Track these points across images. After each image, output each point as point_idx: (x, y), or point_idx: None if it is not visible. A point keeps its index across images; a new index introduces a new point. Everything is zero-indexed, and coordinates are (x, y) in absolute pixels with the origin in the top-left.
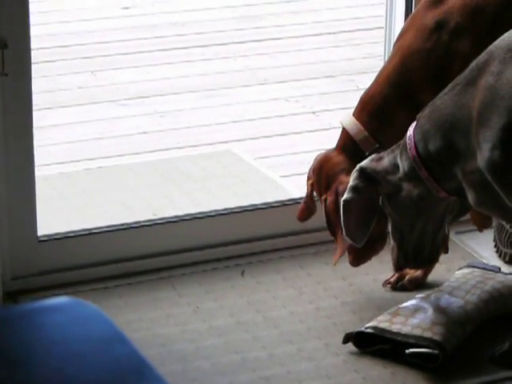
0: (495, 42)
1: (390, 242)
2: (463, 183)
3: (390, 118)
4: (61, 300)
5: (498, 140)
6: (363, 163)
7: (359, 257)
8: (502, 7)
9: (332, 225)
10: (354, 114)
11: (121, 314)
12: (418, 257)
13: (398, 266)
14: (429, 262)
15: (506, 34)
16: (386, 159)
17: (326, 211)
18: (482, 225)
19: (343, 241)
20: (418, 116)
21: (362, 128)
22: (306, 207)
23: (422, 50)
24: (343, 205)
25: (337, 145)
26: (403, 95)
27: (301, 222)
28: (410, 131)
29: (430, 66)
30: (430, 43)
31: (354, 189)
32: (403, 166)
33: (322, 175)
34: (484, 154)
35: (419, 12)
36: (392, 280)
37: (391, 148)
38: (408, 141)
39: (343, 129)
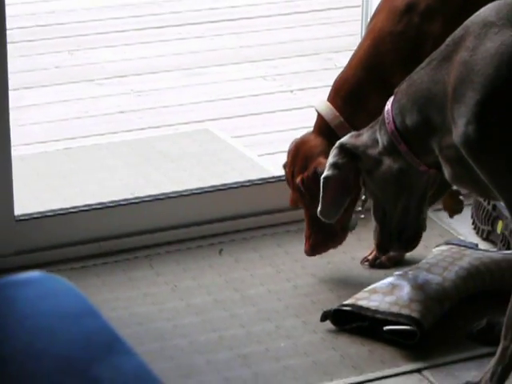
0: (471, 18)
1: (373, 223)
2: (439, 158)
3: (363, 102)
4: (32, 274)
5: (472, 115)
6: (343, 139)
7: (316, 246)
8: None
9: (312, 204)
10: (328, 99)
11: (98, 293)
12: (402, 236)
13: (383, 248)
14: (413, 241)
15: (482, 10)
16: (365, 135)
17: (306, 189)
18: (453, 210)
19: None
20: (395, 90)
21: (337, 113)
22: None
23: (393, 33)
24: (323, 181)
25: (314, 129)
26: (376, 78)
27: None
28: (388, 106)
29: (401, 49)
30: (400, 25)
31: (335, 165)
32: (382, 140)
33: (299, 157)
34: (459, 129)
35: None
36: (370, 257)
37: (370, 124)
38: (386, 115)
39: (318, 114)
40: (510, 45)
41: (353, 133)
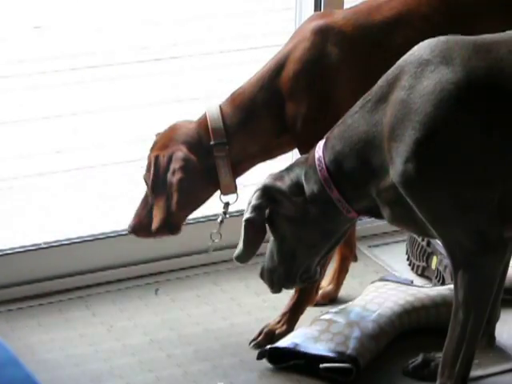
0: (404, 57)
1: (268, 264)
2: (378, 201)
3: (251, 119)
4: None
5: (411, 153)
6: (267, 182)
7: (143, 228)
8: (384, 32)
9: (155, 183)
10: (220, 105)
11: (34, 335)
12: (303, 275)
13: (279, 289)
14: (312, 279)
15: (415, 48)
16: (286, 178)
17: (154, 167)
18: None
19: (159, 205)
20: (325, 136)
21: (221, 119)
22: None
23: (297, 58)
24: (245, 224)
25: (196, 122)
26: (270, 101)
27: None
28: (319, 153)
29: (302, 74)
30: (304, 49)
31: (258, 208)
32: (311, 188)
33: (167, 136)
34: (397, 168)
35: (304, 23)
36: (260, 339)
37: (288, 167)
38: (318, 162)
39: (201, 117)
40: (448, 82)
41: (274, 174)
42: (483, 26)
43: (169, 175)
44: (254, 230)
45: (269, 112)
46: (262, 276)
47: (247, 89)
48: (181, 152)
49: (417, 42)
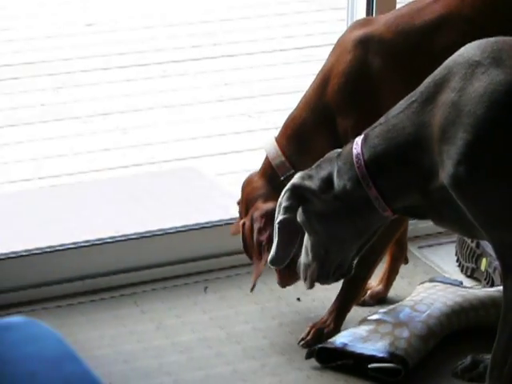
0: (453, 58)
1: (304, 259)
2: (424, 202)
3: (307, 143)
4: (13, 319)
5: (463, 156)
6: (295, 181)
7: (286, 278)
8: (426, 35)
9: (248, 250)
10: (275, 138)
11: (84, 331)
12: (337, 272)
13: (313, 284)
14: (345, 276)
15: (464, 49)
16: (316, 177)
17: (242, 236)
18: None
19: (258, 266)
20: (364, 133)
21: (280, 152)
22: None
23: (339, 73)
24: (279, 226)
25: (260, 168)
26: (321, 119)
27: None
28: (357, 149)
29: (345, 89)
30: (345, 63)
31: (289, 208)
32: (343, 184)
33: (243, 199)
34: (448, 170)
35: (345, 34)
36: (308, 338)
37: (317, 164)
38: (356, 159)
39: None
40: (499, 84)
41: (302, 173)
42: None
43: (255, 236)
44: (288, 231)
45: (322, 131)
46: (298, 270)
47: (297, 114)
48: (258, 210)
49: (460, 45)
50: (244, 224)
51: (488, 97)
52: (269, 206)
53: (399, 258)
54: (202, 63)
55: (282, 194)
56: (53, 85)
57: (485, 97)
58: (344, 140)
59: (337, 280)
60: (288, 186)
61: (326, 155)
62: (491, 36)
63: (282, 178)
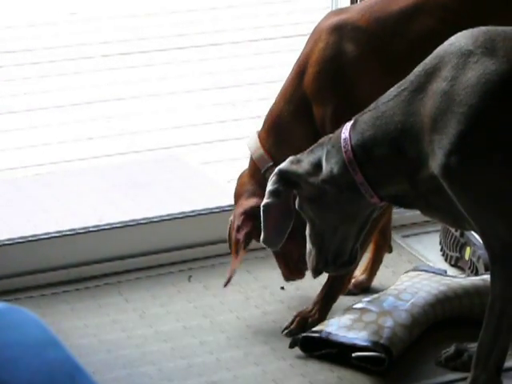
0: (443, 47)
1: (307, 247)
2: (411, 191)
3: (285, 134)
4: None
5: (455, 146)
6: (282, 166)
7: (289, 271)
8: (401, 22)
9: (230, 245)
10: (257, 132)
11: (67, 320)
12: (338, 260)
13: (317, 271)
14: (349, 264)
15: (455, 38)
16: (305, 161)
17: (228, 232)
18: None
19: (233, 262)
20: (354, 119)
21: (259, 145)
22: None
23: (313, 62)
24: (263, 209)
25: (248, 162)
26: (298, 110)
27: None
28: (345, 134)
29: (321, 76)
30: (320, 51)
31: (274, 193)
32: (330, 168)
33: (234, 195)
34: (439, 160)
35: (319, 23)
36: (292, 327)
37: (309, 149)
38: (343, 143)
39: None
40: (492, 73)
41: (292, 158)
42: (506, 15)
43: (234, 234)
44: (273, 214)
45: (299, 122)
46: (304, 259)
47: (274, 106)
48: (239, 208)
49: (438, 31)
50: (231, 223)
51: (481, 86)
52: (250, 202)
53: (383, 246)
54: (187, 52)
55: (270, 178)
56: (37, 73)
57: (478, 86)
58: (321, 130)
59: (340, 269)
60: (275, 170)
61: (320, 140)
62: (469, 23)
63: (262, 171)
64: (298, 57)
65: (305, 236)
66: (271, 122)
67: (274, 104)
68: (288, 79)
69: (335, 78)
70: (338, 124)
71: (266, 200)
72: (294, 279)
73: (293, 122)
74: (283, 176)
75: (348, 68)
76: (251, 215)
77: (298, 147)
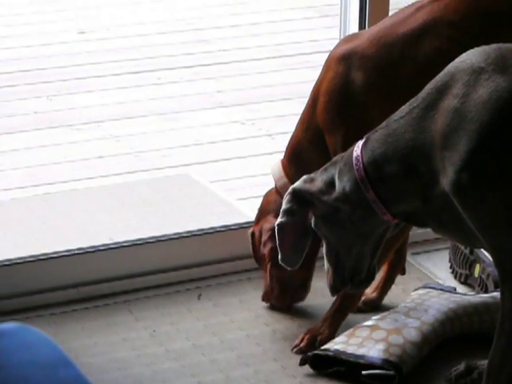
0: (454, 64)
1: (325, 265)
2: (423, 209)
3: (304, 163)
4: (7, 325)
5: (465, 163)
6: (296, 185)
7: (278, 299)
8: (409, 45)
9: (257, 259)
10: (281, 160)
11: (77, 339)
12: (355, 278)
13: (335, 290)
14: (366, 282)
15: (466, 56)
16: (319, 179)
17: (252, 245)
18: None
19: (265, 276)
20: (365, 137)
21: (283, 174)
22: None
23: (327, 90)
24: (277, 229)
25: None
26: (314, 139)
27: None
28: (357, 152)
29: (331, 106)
30: (331, 80)
31: (288, 212)
32: (343, 186)
33: (259, 210)
34: (451, 177)
35: (332, 51)
36: (302, 345)
37: (323, 168)
38: (355, 161)
39: None
40: (504, 90)
41: (305, 177)
42: None
43: (261, 248)
44: (289, 234)
45: (316, 150)
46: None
47: (294, 134)
48: (267, 223)
49: (447, 51)
50: (253, 233)
51: (493, 104)
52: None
53: (397, 266)
54: (195, 70)
55: (284, 197)
56: (47, 92)
57: (489, 103)
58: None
59: (358, 287)
60: (289, 189)
61: (333, 158)
62: (477, 40)
63: None
64: (314, 84)
65: (309, 262)
66: (291, 150)
67: (295, 132)
68: (306, 107)
69: (344, 107)
70: None
71: (280, 219)
72: (280, 307)
73: (310, 150)
74: (297, 195)
75: (357, 97)
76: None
77: None
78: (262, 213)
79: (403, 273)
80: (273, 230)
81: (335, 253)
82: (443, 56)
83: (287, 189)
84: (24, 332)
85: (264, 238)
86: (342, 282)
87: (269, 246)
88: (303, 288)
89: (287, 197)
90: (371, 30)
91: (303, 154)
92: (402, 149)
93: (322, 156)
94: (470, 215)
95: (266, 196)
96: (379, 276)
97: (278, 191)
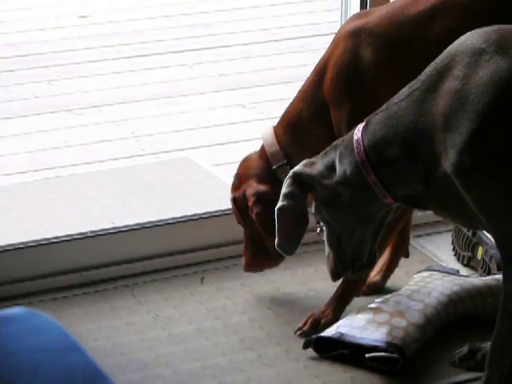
0: (454, 46)
1: (326, 250)
2: (424, 191)
3: (302, 135)
4: (14, 311)
5: (467, 144)
6: (296, 169)
7: (251, 264)
8: (420, 25)
9: (242, 222)
10: (273, 127)
11: (80, 323)
12: (356, 263)
13: (336, 275)
14: (367, 267)
15: (466, 37)
16: (319, 163)
17: (235, 209)
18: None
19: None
20: (366, 120)
21: (276, 141)
22: None
23: (332, 65)
24: (277, 213)
25: (259, 150)
26: (316, 112)
27: None
28: (358, 135)
29: (339, 80)
30: (338, 56)
31: (289, 196)
32: (344, 169)
33: (237, 175)
34: (452, 159)
35: (342, 27)
36: (306, 328)
37: (323, 152)
38: (356, 144)
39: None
40: (504, 72)
41: (306, 161)
42: None
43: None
44: (288, 218)
45: (317, 123)
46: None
47: (293, 106)
48: (250, 188)
49: (457, 32)
50: (235, 198)
51: (494, 85)
52: (260, 187)
53: (400, 249)
54: (198, 53)
55: (284, 181)
56: (46, 77)
57: (491, 85)
58: (338, 134)
59: (358, 272)
60: (290, 173)
61: (334, 142)
62: (487, 22)
63: (274, 167)
64: (319, 59)
65: None
66: (290, 120)
67: (294, 103)
68: (308, 81)
69: (351, 83)
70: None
71: (280, 203)
72: (254, 271)
73: (311, 123)
74: (298, 179)
75: (364, 74)
76: (262, 199)
77: (314, 148)
78: (242, 178)
79: (407, 255)
80: (257, 195)
81: (336, 237)
82: (453, 37)
83: (278, 156)
84: (31, 317)
85: (249, 203)
86: (344, 267)
87: (255, 211)
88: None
89: (288, 180)
90: (381, 10)
91: (303, 125)
92: (402, 131)
93: (322, 130)
94: (472, 197)
95: (245, 161)
96: (383, 259)
97: (262, 156)
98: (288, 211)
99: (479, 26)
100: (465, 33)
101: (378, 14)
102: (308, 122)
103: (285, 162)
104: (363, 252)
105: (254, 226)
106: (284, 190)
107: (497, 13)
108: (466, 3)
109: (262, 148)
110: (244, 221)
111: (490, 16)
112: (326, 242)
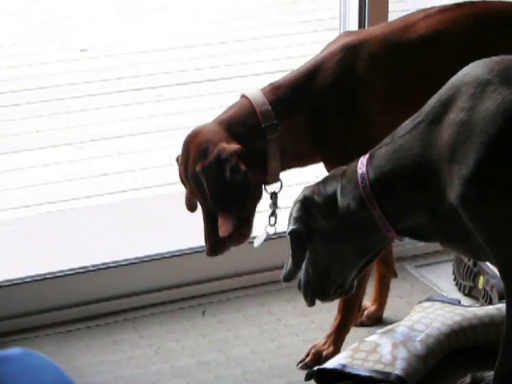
0: (458, 77)
1: (303, 277)
2: (430, 223)
3: (290, 112)
4: (11, 351)
5: (473, 175)
6: (307, 194)
7: (217, 245)
8: (419, 49)
9: (205, 194)
10: (261, 89)
11: (83, 357)
12: (338, 291)
13: (313, 301)
14: (346, 294)
15: (468, 69)
16: (322, 193)
17: (204, 178)
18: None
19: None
20: (369, 153)
21: (267, 101)
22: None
23: (328, 68)
24: (291, 237)
25: (216, 119)
26: (306, 99)
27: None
28: (362, 169)
29: (331, 87)
30: (334, 64)
31: (299, 220)
32: (347, 203)
33: (195, 146)
34: (458, 190)
35: (337, 37)
36: (308, 360)
37: (322, 180)
38: (361, 178)
39: (238, 102)
40: (510, 103)
41: (312, 187)
42: None
43: (229, 176)
44: (299, 242)
45: (304, 108)
46: (298, 287)
47: (289, 81)
48: (225, 151)
49: (450, 63)
50: (203, 166)
51: (501, 116)
52: (235, 146)
53: (387, 275)
54: (201, 86)
55: (293, 204)
56: (48, 111)
57: (497, 116)
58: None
59: (337, 297)
60: (300, 197)
61: (331, 172)
62: (483, 56)
63: (263, 126)
64: (315, 56)
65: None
66: (283, 93)
67: (289, 79)
68: (303, 69)
69: (342, 93)
70: (334, 137)
71: (292, 226)
72: (222, 252)
73: (300, 106)
74: (307, 206)
75: (357, 86)
76: (240, 157)
77: (296, 129)
78: (210, 145)
79: (395, 275)
80: (238, 153)
81: (324, 266)
82: (448, 69)
83: (270, 117)
84: (28, 357)
85: (231, 164)
86: (327, 295)
87: (243, 168)
88: (247, 225)
89: (298, 204)
90: (377, 29)
91: (293, 105)
92: (409, 165)
93: (307, 120)
94: (477, 228)
95: (201, 132)
96: (374, 288)
97: (220, 124)
98: (298, 235)
99: (475, 57)
100: (459, 62)
101: (373, 32)
102: (299, 100)
103: (276, 121)
104: (348, 280)
105: (225, 197)
106: (295, 213)
107: (493, 46)
108: (463, 35)
109: (230, 114)
110: (213, 191)
111: (486, 50)
112: (309, 269)
